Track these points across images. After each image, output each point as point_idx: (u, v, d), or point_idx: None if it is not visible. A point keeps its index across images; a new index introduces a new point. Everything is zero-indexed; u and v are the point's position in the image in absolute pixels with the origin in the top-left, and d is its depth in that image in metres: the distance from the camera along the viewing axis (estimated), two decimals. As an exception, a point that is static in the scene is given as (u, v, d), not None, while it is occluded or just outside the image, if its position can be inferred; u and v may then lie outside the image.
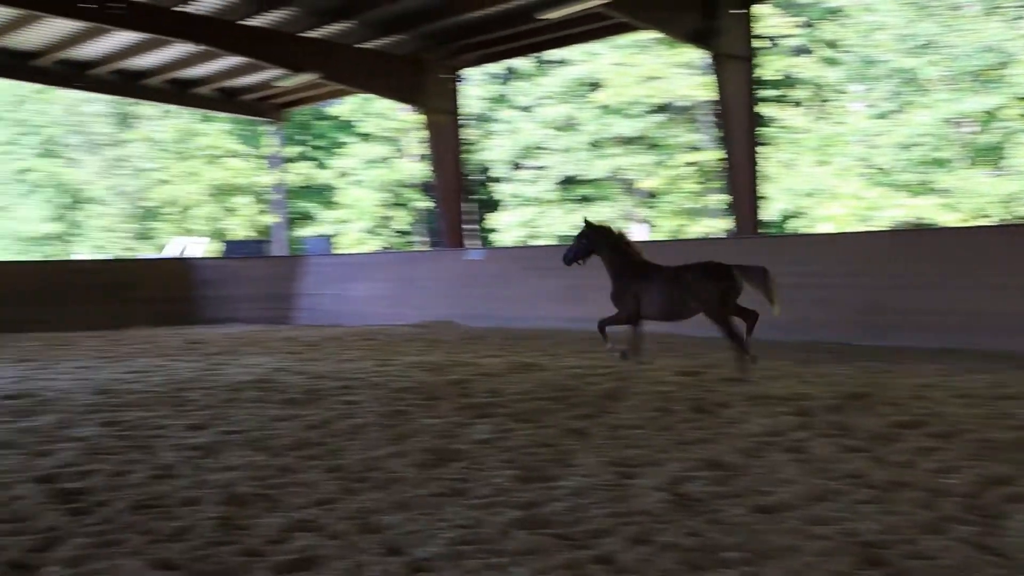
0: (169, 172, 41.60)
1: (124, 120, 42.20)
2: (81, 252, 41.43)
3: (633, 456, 6.01)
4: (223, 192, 41.52)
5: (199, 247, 31.50)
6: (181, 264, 23.41)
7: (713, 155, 30.01)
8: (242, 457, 6.22)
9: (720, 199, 24.01)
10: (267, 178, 32.38)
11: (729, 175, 17.00)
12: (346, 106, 38.17)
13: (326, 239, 26.83)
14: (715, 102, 17.30)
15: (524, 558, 4.10)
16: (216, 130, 41.07)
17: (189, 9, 17.98)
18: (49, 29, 19.47)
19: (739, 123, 16.61)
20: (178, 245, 31.71)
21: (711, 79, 17.55)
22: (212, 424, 7.52)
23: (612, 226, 10.39)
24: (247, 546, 4.37)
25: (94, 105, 40.50)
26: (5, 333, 17.67)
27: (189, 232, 38.27)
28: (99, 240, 42.65)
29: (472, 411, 7.81)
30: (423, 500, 5.07)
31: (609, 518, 4.67)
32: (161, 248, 35.83)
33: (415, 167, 39.66)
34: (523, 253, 21.92)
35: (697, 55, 25.79)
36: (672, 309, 9.66)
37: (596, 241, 10.15)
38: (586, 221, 10.45)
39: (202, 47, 19.34)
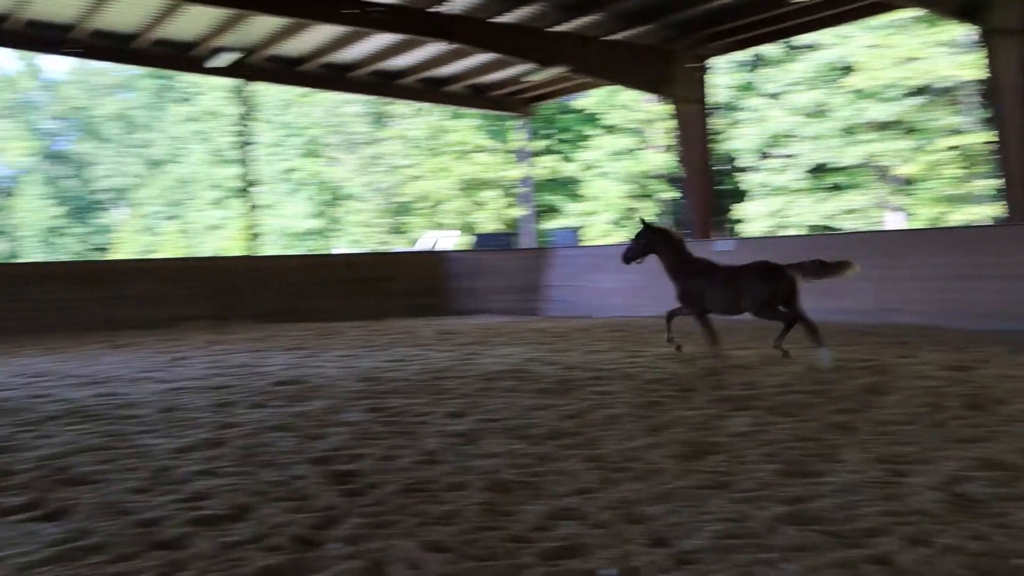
0: (421, 168, 43.09)
1: (379, 119, 44.10)
2: (340, 246, 43.54)
3: (903, 453, 5.73)
4: (472, 186, 42.64)
5: (450, 240, 32.46)
6: (433, 257, 24.18)
7: (979, 138, 28.31)
8: (502, 445, 6.34)
9: (988, 184, 22.61)
10: (514, 172, 33.03)
11: (999, 158, 16.00)
12: (591, 99, 38.40)
13: (573, 231, 27.06)
14: (983, 81, 16.31)
15: (794, 554, 3.97)
16: (465, 126, 42.21)
17: (443, 9, 18.56)
18: (314, 36, 20.57)
19: (1011, 102, 15.58)
20: (430, 239, 32.82)
21: (979, 56, 16.55)
22: (470, 412, 7.70)
23: (670, 228, 11.17)
24: (513, 532, 4.44)
25: (352, 106, 42.53)
26: (275, 323, 18.84)
27: (440, 226, 39.52)
28: (356, 235, 44.72)
29: (728, 404, 7.67)
30: (685, 492, 5.00)
31: (882, 517, 4.46)
32: (414, 242, 37.20)
33: (660, 158, 39.43)
34: (774, 243, 21.37)
35: (962, 32, 24.38)
36: (727, 306, 10.33)
37: (654, 242, 10.72)
38: (643, 222, 11.03)
39: (454, 45, 19.92)
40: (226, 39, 20.53)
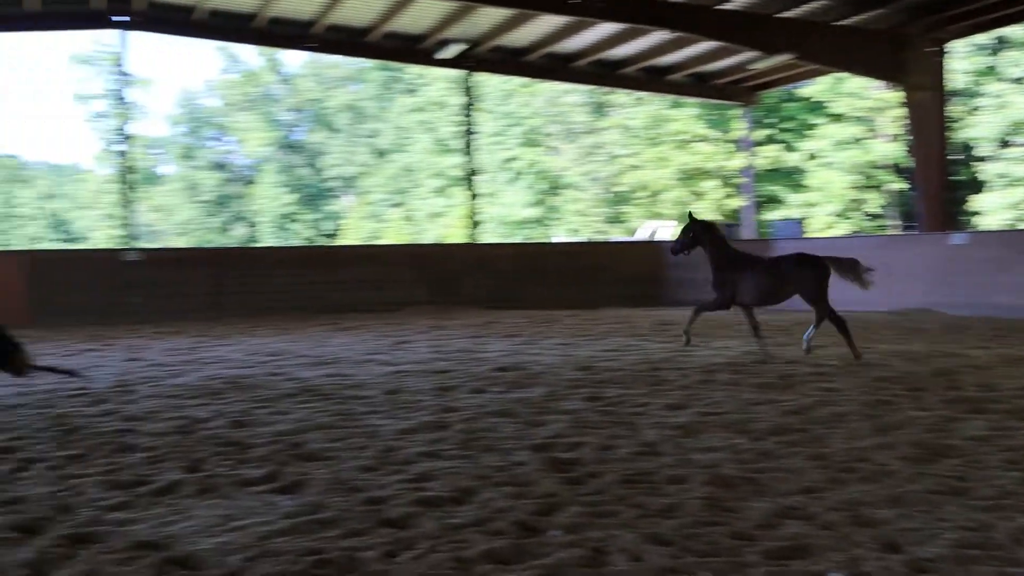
0: (640, 158, 42.90)
1: (599, 109, 44.15)
2: (558, 235, 43.91)
3: None
4: (691, 176, 42.13)
5: (668, 230, 32.21)
6: (650, 247, 24.03)
7: None
8: (723, 439, 6.23)
9: None
10: (735, 162, 32.41)
11: None
12: (818, 86, 37.22)
13: (796, 222, 26.36)
14: None
15: (1043, 571, 3.73)
16: (685, 115, 41.73)
17: (666, -3, 18.42)
18: (538, 27, 20.77)
19: None
20: (648, 228, 32.64)
21: None
22: (690, 404, 7.61)
23: (715, 222, 11.54)
24: (736, 529, 4.35)
25: (572, 96, 42.74)
26: (494, 309, 19.19)
27: (658, 216, 39.27)
28: (574, 224, 44.98)
29: (963, 405, 7.28)
30: (917, 496, 4.77)
31: None
32: (632, 231, 37.09)
33: (889, 147, 37.83)
34: (1017, 238, 20.12)
35: None
36: (767, 295, 10.63)
37: (700, 234, 11.10)
38: (690, 216, 11.43)
39: (677, 34, 19.70)
40: (453, 31, 21.02)
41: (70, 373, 8.46)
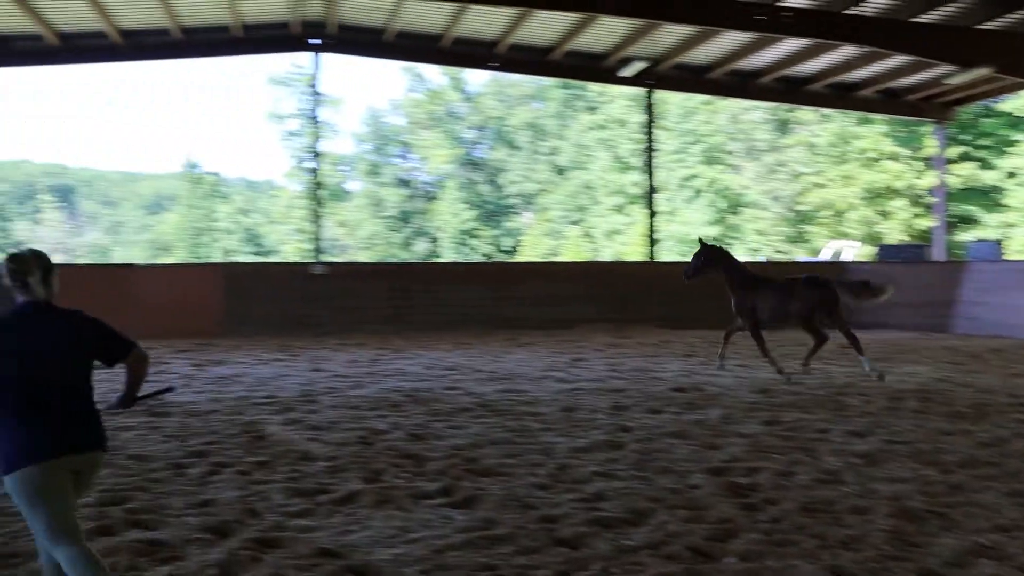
0: (824, 176, 41.76)
1: (782, 126, 43.23)
2: (737, 254, 43.16)
3: None
4: (878, 195, 40.72)
5: (852, 251, 31.22)
6: (835, 267, 23.31)
7: None
8: (909, 470, 5.98)
9: None
10: (926, 180, 31.19)
11: None
12: (1020, 100, 35.39)
13: (994, 244, 25.09)
14: None
15: None
16: (874, 132, 40.37)
17: (857, 11, 17.83)
18: (721, 43, 20.49)
19: None
20: (832, 248, 31.72)
21: None
22: (874, 432, 7.34)
23: (724, 247, 12.06)
24: (923, 565, 4.16)
25: (755, 113, 42.01)
26: (669, 328, 18.99)
27: (843, 236, 38.12)
28: (754, 243, 44.14)
29: None
30: None
31: None
32: (816, 252, 36.13)
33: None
34: None
35: None
36: (780, 314, 11.20)
37: (712, 259, 11.74)
38: (701, 241, 12.05)
39: (867, 49, 19.07)
40: (635, 49, 20.95)
41: (166, 390, 8.98)
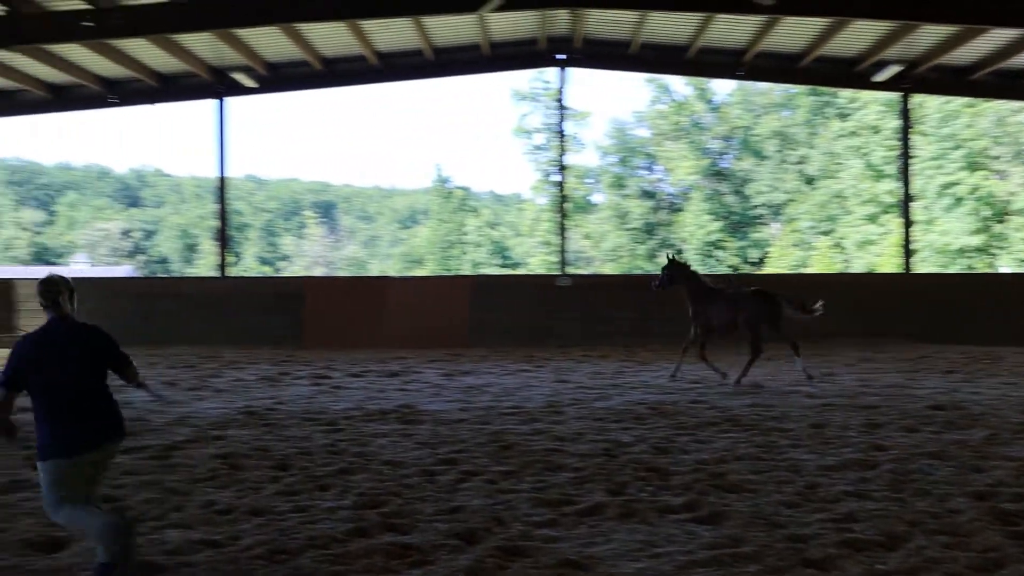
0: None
1: (1056, 128, 40.42)
2: (1004, 265, 40.66)
3: None
4: None
5: None
6: None
7: None
8: None
9: None
10: None
11: None
12: None
13: None
14: None
15: None
16: None
17: None
18: (987, 42, 19.33)
19: None
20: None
21: None
22: None
23: (688, 262, 13.12)
24: None
25: None
26: (927, 343, 18.05)
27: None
28: (1022, 253, 41.46)
29: None
30: None
31: None
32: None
33: None
34: None
35: None
36: (728, 324, 12.08)
37: (677, 273, 12.70)
38: (668, 257, 13.04)
39: None
40: (890, 52, 20.09)
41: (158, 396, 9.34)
